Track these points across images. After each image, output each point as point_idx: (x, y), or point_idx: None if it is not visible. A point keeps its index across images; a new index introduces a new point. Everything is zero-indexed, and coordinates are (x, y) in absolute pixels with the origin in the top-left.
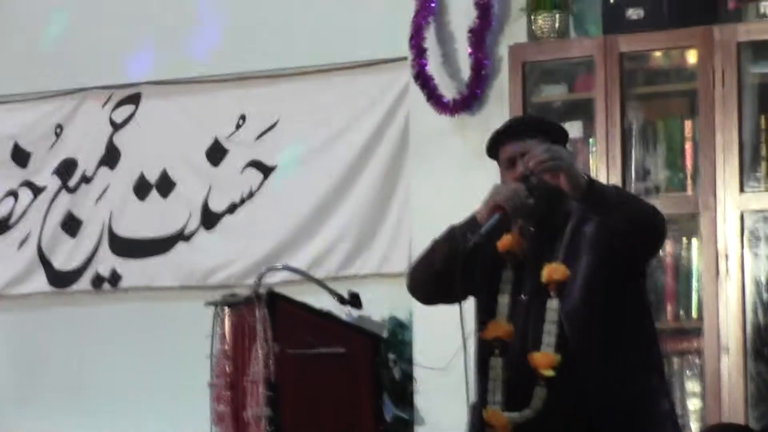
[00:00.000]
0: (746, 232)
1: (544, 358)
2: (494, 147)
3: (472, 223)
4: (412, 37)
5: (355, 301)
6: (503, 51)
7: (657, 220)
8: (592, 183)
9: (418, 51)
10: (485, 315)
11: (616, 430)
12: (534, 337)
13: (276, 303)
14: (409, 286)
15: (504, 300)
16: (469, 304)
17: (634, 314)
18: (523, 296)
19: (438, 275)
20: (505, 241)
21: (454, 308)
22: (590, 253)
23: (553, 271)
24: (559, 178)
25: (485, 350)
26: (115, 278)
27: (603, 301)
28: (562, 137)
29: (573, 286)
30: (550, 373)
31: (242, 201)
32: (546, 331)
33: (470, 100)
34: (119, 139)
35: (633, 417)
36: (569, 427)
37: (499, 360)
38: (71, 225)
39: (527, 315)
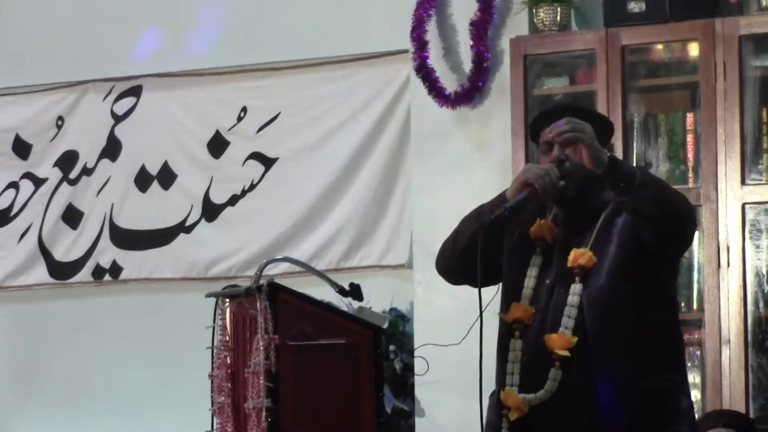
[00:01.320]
0: (747, 225)
1: (561, 339)
2: (535, 130)
3: (500, 199)
4: (413, 30)
5: (355, 292)
6: (505, 44)
7: (685, 207)
8: (615, 160)
9: (420, 44)
10: (511, 298)
11: (626, 418)
12: (553, 319)
13: (277, 294)
14: (437, 264)
15: (530, 283)
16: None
17: (660, 309)
18: (548, 281)
19: (465, 251)
20: (536, 227)
21: (455, 300)
22: (618, 243)
23: (579, 255)
24: (581, 152)
25: (505, 332)
26: (115, 270)
27: (627, 291)
28: (606, 128)
29: (599, 274)
30: (565, 353)
31: (243, 193)
32: (566, 314)
33: (471, 92)
34: (120, 131)
35: (646, 408)
36: (582, 412)
37: (519, 342)
38: (72, 217)
39: (549, 299)
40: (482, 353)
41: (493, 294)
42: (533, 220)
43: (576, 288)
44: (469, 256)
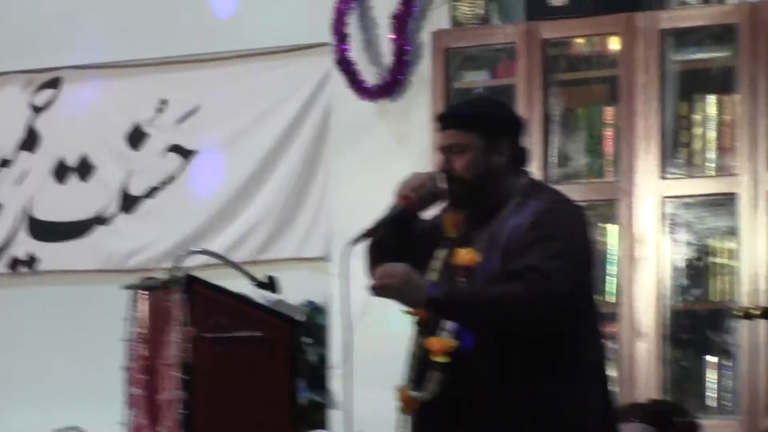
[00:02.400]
0: (665, 218)
1: (439, 343)
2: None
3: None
4: (334, 23)
5: (272, 285)
6: (425, 37)
7: (530, 314)
8: (435, 300)
9: (341, 37)
10: None
11: (500, 425)
12: (439, 320)
13: (193, 286)
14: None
15: (431, 278)
16: None
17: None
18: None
19: (371, 265)
20: (445, 221)
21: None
22: (503, 244)
23: (464, 255)
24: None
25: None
26: (32, 261)
27: None
28: (498, 128)
29: (482, 273)
30: (442, 359)
31: (162, 185)
32: None
33: (392, 86)
34: (39, 123)
35: (527, 423)
36: (464, 417)
37: (418, 338)
38: None
39: None
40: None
41: None
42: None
43: None
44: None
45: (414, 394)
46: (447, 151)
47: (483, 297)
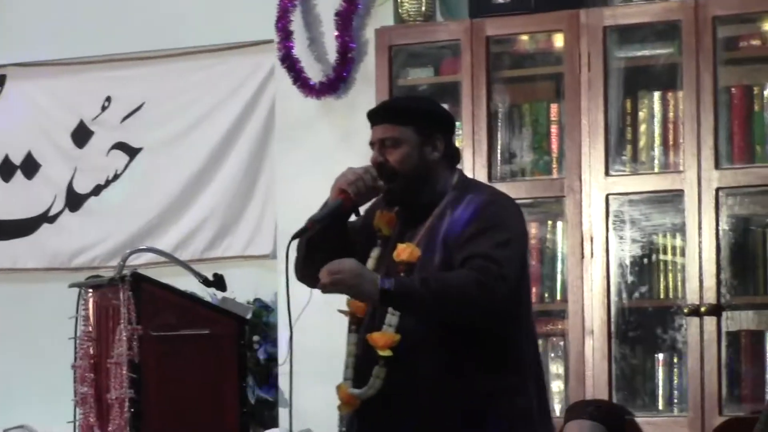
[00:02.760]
0: (611, 215)
1: (383, 337)
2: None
3: (322, 205)
4: (278, 20)
5: (219, 283)
6: (370, 34)
7: (486, 301)
8: (387, 291)
9: (285, 34)
10: None
11: (457, 422)
12: (380, 315)
13: (140, 285)
14: (296, 275)
15: None
16: None
17: None
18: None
19: (299, 260)
20: (377, 218)
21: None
22: (442, 238)
23: (402, 250)
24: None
25: (348, 325)
26: None
27: None
28: (433, 123)
29: (422, 268)
30: (387, 353)
31: (107, 183)
32: (390, 311)
33: (336, 83)
34: None
35: (480, 411)
36: (408, 409)
37: (353, 336)
38: None
39: None
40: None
41: None
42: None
43: None
44: (305, 265)
45: (355, 391)
46: (381, 144)
47: (435, 285)
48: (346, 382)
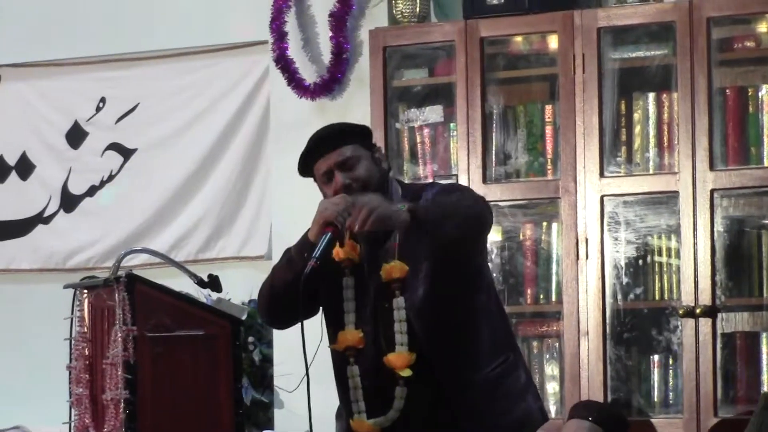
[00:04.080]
0: (606, 217)
1: (400, 358)
2: (306, 167)
3: (305, 243)
4: (272, 21)
5: (214, 283)
6: (364, 35)
7: (482, 213)
8: (415, 212)
9: (279, 35)
10: (334, 324)
11: (478, 410)
12: (387, 338)
13: (135, 286)
14: (263, 314)
15: (349, 307)
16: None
17: (480, 295)
18: (366, 301)
19: (281, 300)
20: (339, 251)
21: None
22: (426, 253)
23: (391, 269)
24: (383, 223)
25: (340, 360)
26: None
27: (447, 290)
28: (369, 135)
29: (415, 282)
30: (407, 372)
31: (102, 184)
32: (397, 330)
33: (331, 83)
34: None
35: (493, 395)
36: (433, 419)
37: (355, 368)
38: None
39: (375, 319)
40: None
41: None
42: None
43: (399, 302)
44: (289, 304)
45: (379, 420)
46: (342, 167)
47: (440, 203)
48: (361, 416)
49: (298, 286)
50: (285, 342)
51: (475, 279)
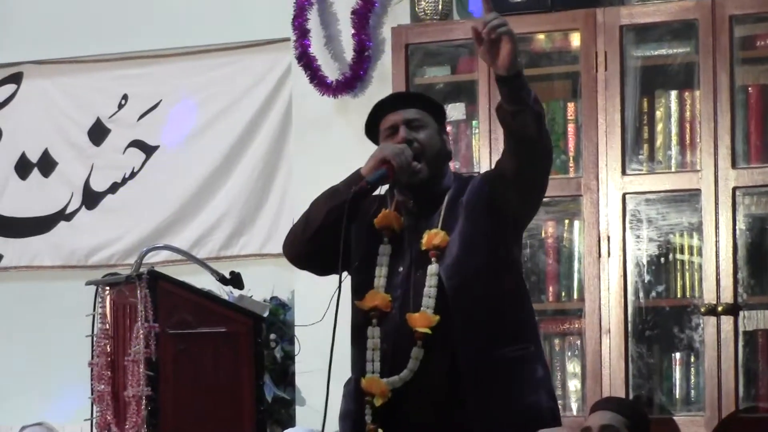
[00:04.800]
0: (628, 214)
1: (422, 317)
2: (374, 120)
3: (355, 177)
4: (295, 18)
5: (236, 280)
6: (386, 33)
7: (547, 140)
8: (522, 68)
9: (301, 32)
10: (363, 287)
11: (489, 390)
12: (415, 303)
13: (157, 282)
14: (285, 247)
15: (382, 272)
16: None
17: (510, 278)
18: (401, 269)
19: (318, 232)
20: (381, 218)
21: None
22: (465, 217)
23: (433, 236)
24: (502, 49)
25: (362, 321)
26: None
27: (480, 261)
28: (442, 113)
29: (451, 249)
30: (426, 330)
31: (124, 181)
32: (426, 294)
33: (353, 81)
34: (1, 119)
35: (506, 378)
36: (442, 386)
37: (377, 329)
38: None
39: (407, 286)
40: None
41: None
42: (373, 212)
43: (433, 268)
44: (320, 238)
45: (391, 379)
46: (408, 124)
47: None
48: (374, 375)
49: (341, 209)
50: (305, 339)
51: (505, 258)
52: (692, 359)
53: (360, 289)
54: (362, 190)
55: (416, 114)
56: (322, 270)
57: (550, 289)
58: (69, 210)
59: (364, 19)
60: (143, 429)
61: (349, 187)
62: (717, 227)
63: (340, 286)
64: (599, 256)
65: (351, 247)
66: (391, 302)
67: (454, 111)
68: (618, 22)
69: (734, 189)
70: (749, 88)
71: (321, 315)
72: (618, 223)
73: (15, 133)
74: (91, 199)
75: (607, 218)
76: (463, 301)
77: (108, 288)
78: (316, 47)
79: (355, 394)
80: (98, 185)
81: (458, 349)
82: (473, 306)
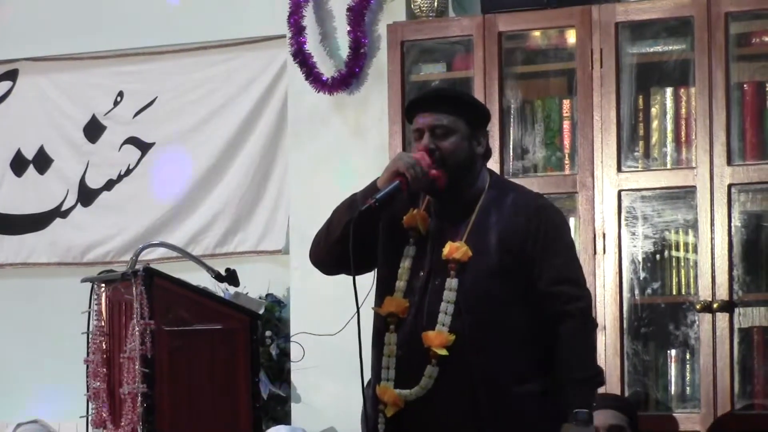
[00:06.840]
0: (623, 211)
1: (438, 337)
2: (410, 114)
3: (372, 188)
4: (290, 15)
5: (232, 278)
6: (382, 30)
7: (592, 327)
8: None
9: (297, 29)
10: (384, 289)
11: (501, 422)
12: (429, 314)
13: (152, 279)
14: (311, 255)
15: (403, 275)
16: (364, 280)
17: (530, 313)
18: (422, 273)
19: (338, 242)
20: (409, 217)
21: (331, 287)
22: (496, 242)
23: (454, 249)
24: None
25: (382, 325)
26: None
27: (503, 291)
28: (480, 117)
29: (475, 271)
30: (443, 352)
31: (120, 178)
32: (442, 310)
33: (348, 78)
34: None
35: (521, 414)
36: (458, 410)
37: (394, 336)
38: None
39: (424, 291)
40: (361, 344)
41: (370, 283)
42: (406, 209)
43: (452, 283)
44: (342, 246)
45: (404, 392)
46: (433, 131)
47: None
48: (388, 383)
49: (352, 224)
50: (302, 337)
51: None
52: (688, 356)
53: (382, 290)
54: (370, 209)
55: (444, 120)
56: (347, 272)
57: None
58: (65, 207)
59: (359, 16)
60: (139, 426)
61: (365, 199)
62: (712, 224)
63: (356, 297)
64: (595, 253)
65: (379, 244)
66: (407, 308)
67: None
68: (614, 19)
69: (730, 186)
70: (745, 85)
71: (316, 312)
72: (613, 220)
73: (10, 130)
74: (86, 196)
75: (602, 215)
76: (480, 332)
77: (104, 285)
78: (312, 44)
79: (372, 399)
80: (94, 182)
81: (474, 379)
82: (491, 338)
